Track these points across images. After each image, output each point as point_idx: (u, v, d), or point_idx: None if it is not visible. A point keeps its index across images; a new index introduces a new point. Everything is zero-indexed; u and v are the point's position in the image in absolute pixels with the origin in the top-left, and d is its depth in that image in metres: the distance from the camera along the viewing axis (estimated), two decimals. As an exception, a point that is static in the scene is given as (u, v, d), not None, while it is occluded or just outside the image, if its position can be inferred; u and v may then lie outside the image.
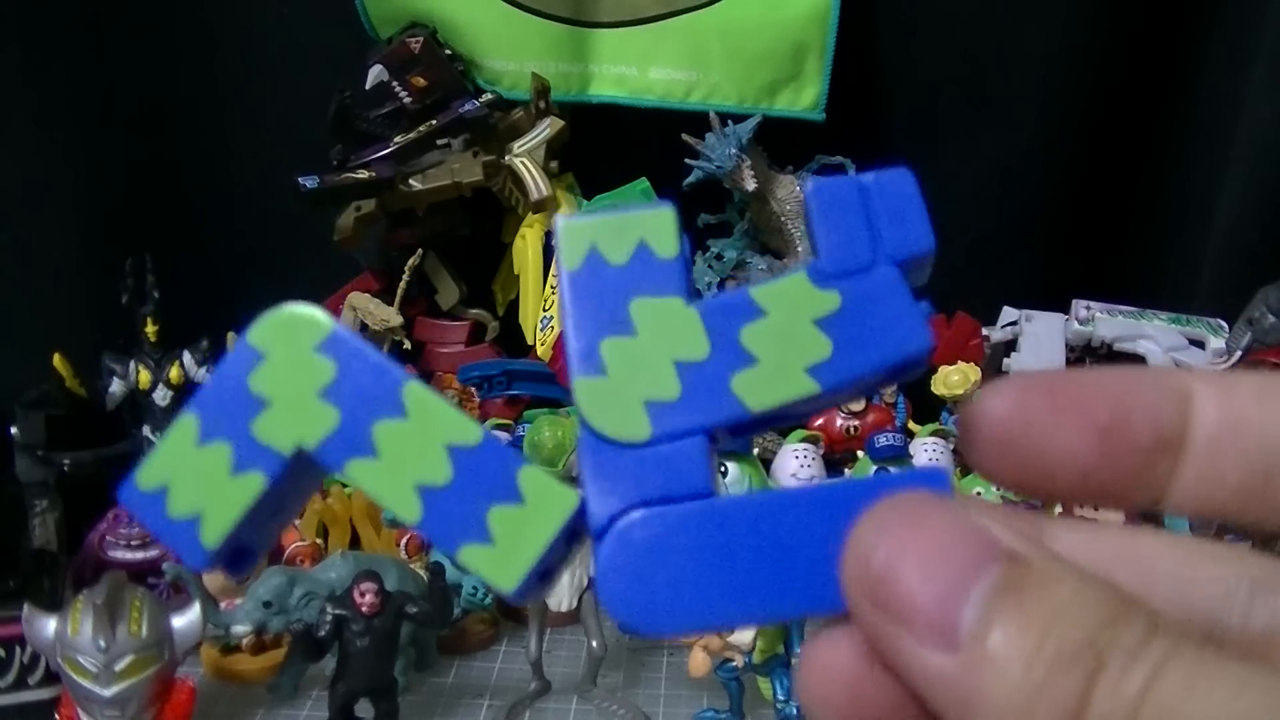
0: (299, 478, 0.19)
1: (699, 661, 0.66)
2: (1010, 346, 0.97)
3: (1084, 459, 0.17)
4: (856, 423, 0.93)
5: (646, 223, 0.19)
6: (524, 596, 0.18)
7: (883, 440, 0.82)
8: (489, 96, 0.97)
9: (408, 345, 0.94)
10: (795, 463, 0.85)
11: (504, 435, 0.90)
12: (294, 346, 0.19)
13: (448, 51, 0.97)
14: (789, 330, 0.18)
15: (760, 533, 0.18)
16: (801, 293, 0.19)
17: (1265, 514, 0.17)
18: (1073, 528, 0.18)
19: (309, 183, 0.88)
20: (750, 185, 0.93)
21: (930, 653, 0.15)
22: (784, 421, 0.20)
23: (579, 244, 0.19)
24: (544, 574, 0.19)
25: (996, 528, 0.16)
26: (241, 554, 0.19)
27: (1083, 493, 0.17)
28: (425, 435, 0.19)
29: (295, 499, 0.20)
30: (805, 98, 0.99)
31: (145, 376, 0.90)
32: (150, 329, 0.90)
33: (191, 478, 0.19)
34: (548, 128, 0.97)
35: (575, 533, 0.18)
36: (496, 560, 0.18)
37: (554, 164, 0.97)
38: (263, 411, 0.19)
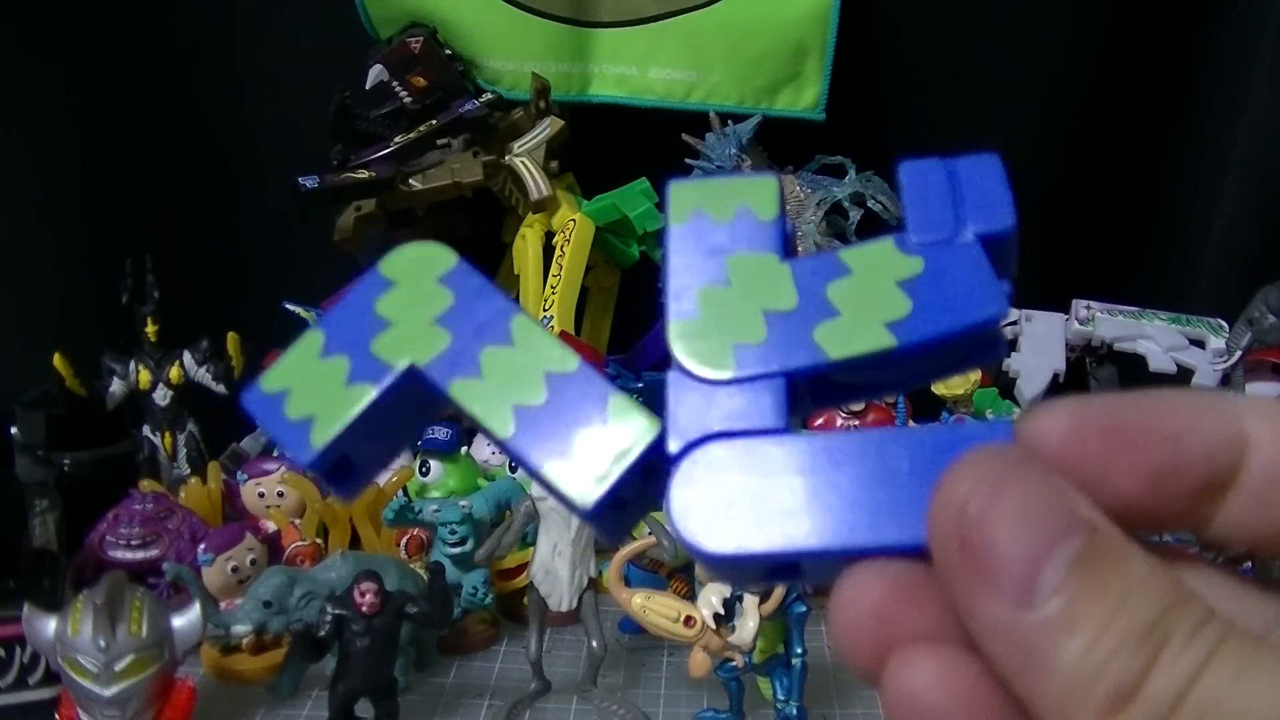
0: (408, 400, 0.21)
1: (699, 661, 0.66)
2: (1010, 346, 0.97)
3: (1134, 497, 0.17)
4: (857, 423, 0.93)
5: (750, 189, 0.21)
6: (599, 517, 0.19)
7: (883, 440, 0.82)
8: (489, 96, 0.97)
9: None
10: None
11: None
12: (421, 276, 0.21)
13: (448, 51, 0.97)
14: (872, 288, 0.19)
15: (833, 468, 0.18)
16: (887, 256, 0.20)
17: None
18: None
19: (309, 183, 0.88)
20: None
21: (1006, 606, 0.16)
22: (863, 393, 0.21)
23: (687, 203, 0.21)
24: (617, 503, 0.19)
25: (1078, 498, 0.16)
26: (349, 470, 0.21)
27: (1126, 523, 0.17)
28: (527, 361, 0.20)
29: (404, 424, 0.22)
30: (805, 98, 0.99)
31: (145, 376, 0.90)
32: (150, 329, 0.90)
33: (310, 385, 0.20)
34: (548, 128, 0.97)
35: (652, 467, 0.19)
36: (578, 476, 0.19)
37: (554, 164, 0.97)
38: (383, 331, 0.21)
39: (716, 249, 0.20)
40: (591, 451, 0.19)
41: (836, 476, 0.18)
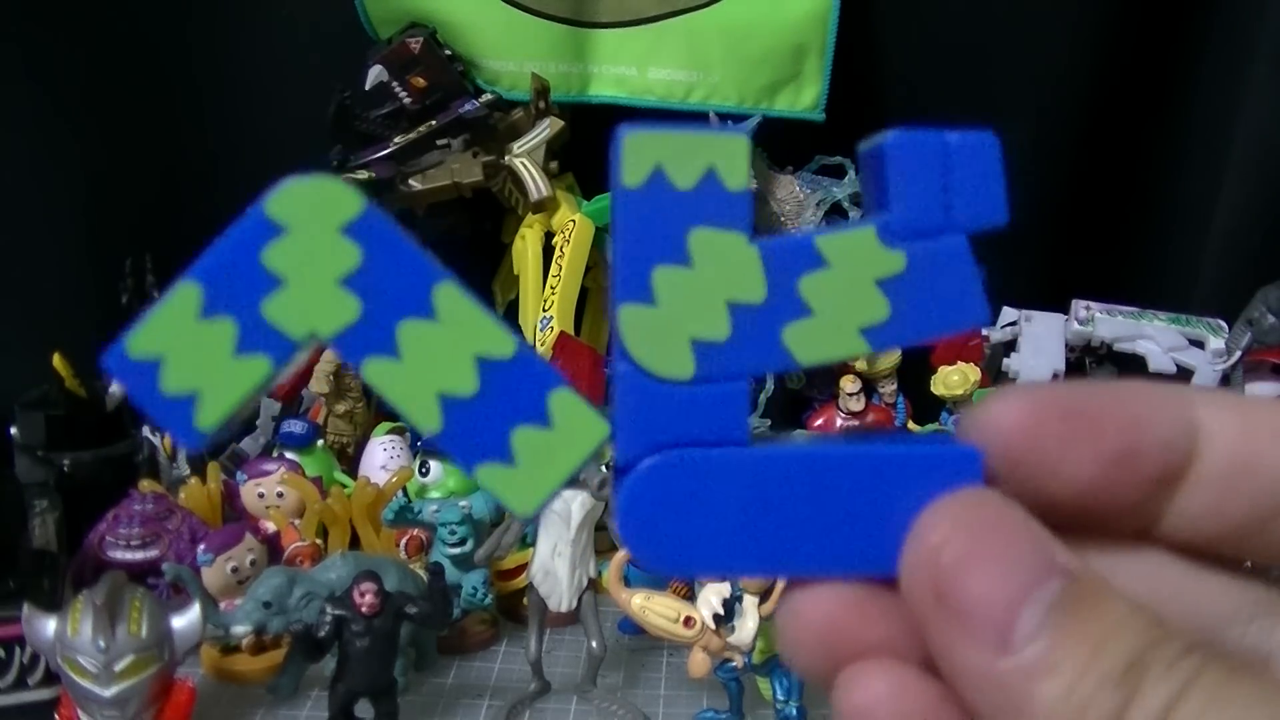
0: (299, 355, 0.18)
1: (699, 661, 0.66)
2: (1010, 346, 0.97)
3: (1089, 484, 0.17)
4: (856, 423, 0.93)
5: (719, 148, 0.18)
6: (536, 518, 0.19)
7: (883, 440, 0.82)
8: (489, 96, 0.97)
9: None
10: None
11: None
12: (319, 223, 0.17)
13: (447, 52, 0.97)
14: (849, 286, 0.18)
15: (794, 487, 0.18)
16: (867, 249, 0.18)
17: (1259, 552, 0.18)
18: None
19: (309, 183, 0.88)
20: (750, 185, 0.93)
21: (984, 653, 0.16)
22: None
23: (644, 159, 0.18)
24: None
25: (1054, 543, 0.16)
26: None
27: (1079, 516, 0.17)
28: (454, 342, 0.18)
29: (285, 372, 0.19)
30: (805, 98, 0.99)
31: (145, 376, 0.90)
32: (150, 329, 0.90)
33: (190, 353, 0.17)
34: (547, 128, 0.97)
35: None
36: (516, 483, 0.18)
37: (554, 164, 0.97)
38: (276, 291, 0.17)
39: (677, 220, 0.18)
40: (532, 455, 0.17)
41: (795, 498, 0.17)
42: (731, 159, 0.18)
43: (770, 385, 0.91)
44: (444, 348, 0.18)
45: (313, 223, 0.17)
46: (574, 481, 0.68)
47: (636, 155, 0.18)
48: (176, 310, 0.18)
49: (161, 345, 0.17)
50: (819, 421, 0.94)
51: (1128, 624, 0.15)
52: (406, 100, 0.96)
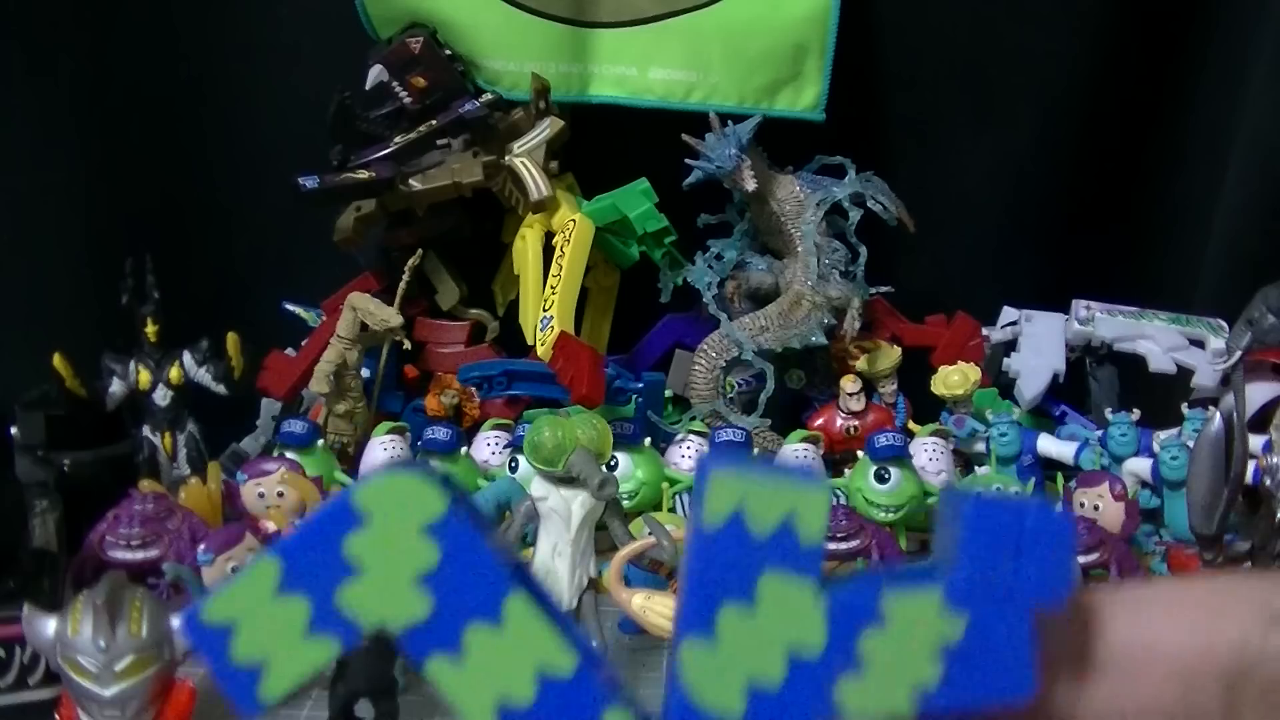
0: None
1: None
2: (1010, 346, 0.97)
3: None
4: (856, 423, 0.93)
5: (800, 498, 0.18)
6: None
7: (883, 440, 0.82)
8: (489, 96, 0.97)
9: (408, 346, 0.94)
10: (796, 462, 0.85)
11: (504, 435, 0.90)
12: (402, 520, 0.18)
13: (448, 52, 0.97)
14: (907, 649, 0.18)
15: None
16: (930, 614, 0.18)
17: None
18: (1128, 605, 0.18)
19: (309, 183, 0.88)
20: (750, 185, 0.93)
21: None
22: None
23: (726, 500, 0.18)
24: None
25: None
26: None
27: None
28: (518, 651, 0.18)
29: None
30: (805, 98, 0.99)
31: (145, 376, 0.90)
32: (150, 329, 0.90)
33: (262, 625, 0.18)
34: (548, 128, 0.97)
35: None
36: None
37: (554, 164, 0.97)
38: (352, 579, 0.18)
39: (750, 561, 0.18)
40: None
41: None
42: (811, 511, 0.18)
43: (770, 385, 0.91)
44: (508, 656, 0.18)
45: (396, 518, 0.18)
46: (573, 481, 0.68)
47: (719, 495, 0.18)
48: (255, 582, 0.18)
49: (236, 613, 0.18)
50: (819, 421, 0.94)
51: None
52: (407, 100, 0.96)
